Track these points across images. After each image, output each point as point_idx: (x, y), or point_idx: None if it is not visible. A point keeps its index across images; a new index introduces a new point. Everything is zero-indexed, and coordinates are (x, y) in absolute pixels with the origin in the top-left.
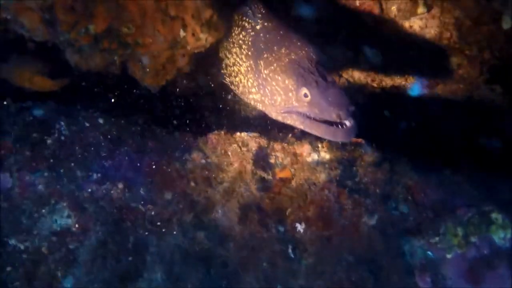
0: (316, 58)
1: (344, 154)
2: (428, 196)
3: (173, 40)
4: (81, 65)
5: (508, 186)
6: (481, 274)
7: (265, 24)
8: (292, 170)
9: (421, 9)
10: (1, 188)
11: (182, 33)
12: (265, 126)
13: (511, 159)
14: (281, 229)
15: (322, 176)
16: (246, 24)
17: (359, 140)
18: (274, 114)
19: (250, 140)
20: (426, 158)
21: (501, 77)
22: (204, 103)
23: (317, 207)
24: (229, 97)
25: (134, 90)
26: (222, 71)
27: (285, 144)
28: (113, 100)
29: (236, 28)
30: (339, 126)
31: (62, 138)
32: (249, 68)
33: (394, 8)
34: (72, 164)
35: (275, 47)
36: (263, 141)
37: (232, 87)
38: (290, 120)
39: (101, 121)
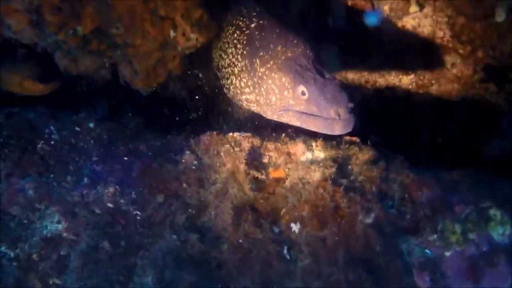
0: (313, 55)
1: (338, 152)
2: (425, 193)
3: (163, 40)
4: (70, 69)
5: (506, 183)
6: (481, 272)
7: (260, 22)
8: (286, 169)
9: (413, 8)
10: None
11: (172, 34)
12: (258, 128)
13: (509, 156)
14: (276, 229)
15: (316, 175)
16: (241, 23)
17: (354, 138)
18: (269, 113)
19: (243, 140)
20: (422, 155)
21: (495, 76)
22: (197, 105)
23: (312, 206)
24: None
25: (125, 93)
26: (218, 73)
27: (279, 144)
28: (104, 104)
29: (231, 28)
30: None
31: (52, 142)
32: (243, 68)
33: (386, 8)
34: (63, 169)
35: (271, 45)
36: (256, 141)
37: (224, 90)
38: (286, 118)
39: (91, 125)
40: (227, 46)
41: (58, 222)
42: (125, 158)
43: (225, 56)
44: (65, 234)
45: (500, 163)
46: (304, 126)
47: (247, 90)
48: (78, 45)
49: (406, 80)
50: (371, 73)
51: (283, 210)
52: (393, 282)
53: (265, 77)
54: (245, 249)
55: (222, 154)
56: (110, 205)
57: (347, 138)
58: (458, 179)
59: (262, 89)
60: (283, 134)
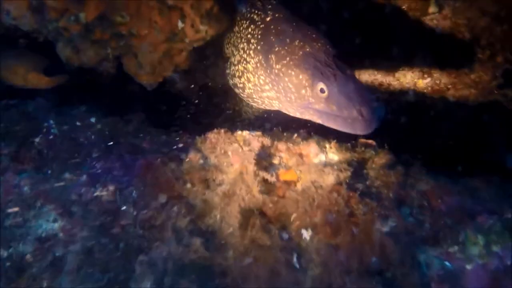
0: (334, 51)
1: (354, 155)
2: (445, 201)
3: (170, 31)
4: (72, 59)
5: None
6: (505, 287)
7: (276, 15)
8: (298, 171)
9: (432, 9)
10: None
11: (180, 25)
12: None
13: None
14: (285, 236)
15: (330, 179)
16: (255, 17)
17: (370, 141)
18: (292, 110)
19: (253, 139)
20: (442, 161)
21: None
22: (203, 102)
23: (325, 212)
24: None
25: (129, 88)
26: (227, 70)
27: (290, 144)
28: (106, 98)
29: (244, 22)
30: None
31: (51, 137)
32: (258, 64)
33: (404, 8)
34: (61, 165)
35: (287, 40)
36: (267, 141)
37: (236, 90)
38: (307, 115)
39: (93, 120)
40: (239, 41)
41: (54, 221)
42: (127, 155)
43: (236, 52)
44: (61, 234)
45: None
46: (326, 124)
47: (266, 87)
48: (80, 33)
49: (421, 84)
50: (385, 76)
51: (294, 215)
52: None
53: (281, 74)
54: (252, 256)
55: (229, 153)
56: (109, 205)
57: (363, 140)
58: (480, 187)
59: (280, 86)
60: (295, 134)
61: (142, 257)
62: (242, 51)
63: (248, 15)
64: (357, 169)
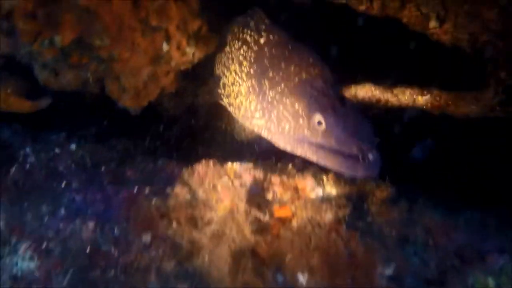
0: (332, 79)
1: (353, 188)
2: (452, 239)
3: (155, 54)
4: (50, 83)
5: None
6: None
7: (270, 37)
8: (293, 208)
9: (433, 23)
10: None
11: (165, 47)
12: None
13: None
14: (280, 279)
15: (328, 216)
16: (248, 38)
17: None
18: (282, 143)
19: (244, 172)
20: (448, 194)
21: None
22: (192, 128)
23: (323, 253)
24: (220, 122)
25: (113, 112)
26: (219, 90)
27: (285, 177)
28: (89, 123)
29: (236, 42)
30: (359, 158)
31: (27, 166)
32: (250, 89)
33: (404, 22)
34: (38, 197)
35: (282, 64)
36: (259, 174)
37: (231, 109)
38: (300, 151)
39: (73, 146)
40: (230, 62)
41: (31, 259)
42: (109, 186)
43: (228, 74)
44: (37, 274)
45: None
46: (322, 163)
47: (257, 114)
48: (56, 57)
49: (421, 101)
50: (383, 92)
51: (289, 256)
52: None
53: (275, 102)
54: None
55: (219, 188)
56: (88, 243)
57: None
58: (490, 223)
59: (273, 115)
60: (290, 165)
61: None
62: (234, 73)
63: (241, 35)
64: (357, 204)
